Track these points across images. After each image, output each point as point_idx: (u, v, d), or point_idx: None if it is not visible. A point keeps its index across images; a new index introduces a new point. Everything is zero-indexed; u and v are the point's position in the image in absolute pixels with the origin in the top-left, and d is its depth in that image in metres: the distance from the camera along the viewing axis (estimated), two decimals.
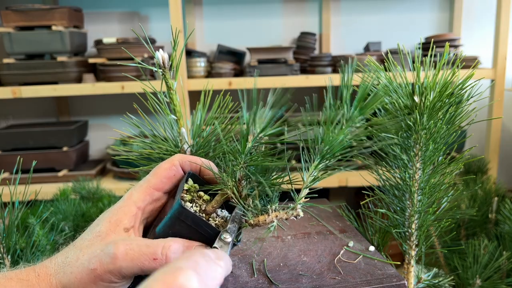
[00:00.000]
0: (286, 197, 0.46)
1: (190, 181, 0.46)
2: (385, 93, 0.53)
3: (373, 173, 0.60)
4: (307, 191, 0.43)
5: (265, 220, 0.43)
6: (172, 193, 0.47)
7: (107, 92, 1.62)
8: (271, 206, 0.43)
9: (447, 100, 0.51)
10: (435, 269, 0.70)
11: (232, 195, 0.44)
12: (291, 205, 0.43)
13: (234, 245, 0.44)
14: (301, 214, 0.43)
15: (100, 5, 1.93)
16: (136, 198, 0.43)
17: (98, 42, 1.72)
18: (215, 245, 0.41)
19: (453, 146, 0.55)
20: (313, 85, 1.61)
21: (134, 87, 1.60)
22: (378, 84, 0.54)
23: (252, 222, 0.43)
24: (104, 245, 0.39)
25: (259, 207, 0.43)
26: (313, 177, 0.42)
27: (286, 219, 0.43)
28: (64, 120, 1.98)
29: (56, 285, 0.39)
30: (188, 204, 0.44)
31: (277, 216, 0.43)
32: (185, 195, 0.45)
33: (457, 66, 0.51)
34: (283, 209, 0.43)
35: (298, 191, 0.43)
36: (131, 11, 1.94)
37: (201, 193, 0.47)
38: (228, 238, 0.41)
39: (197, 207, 0.45)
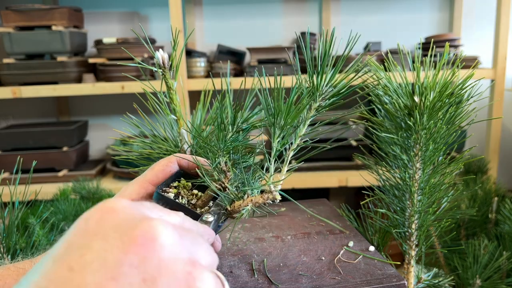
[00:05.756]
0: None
1: (183, 181, 0.47)
2: (385, 93, 0.53)
3: (373, 173, 0.60)
4: (274, 166, 0.42)
5: (240, 205, 0.43)
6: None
7: (107, 92, 1.62)
8: (246, 191, 0.43)
9: (447, 100, 0.51)
10: (435, 269, 0.70)
11: (211, 184, 0.44)
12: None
13: (218, 227, 0.44)
14: (278, 197, 0.42)
15: (100, 5, 1.93)
16: (131, 190, 0.45)
17: (98, 42, 1.72)
18: None
19: (453, 146, 0.55)
20: None
21: (134, 87, 1.60)
22: (378, 84, 0.54)
23: (229, 208, 0.43)
24: None
25: (233, 192, 0.43)
26: (276, 149, 0.41)
27: (263, 203, 0.43)
28: (64, 120, 1.98)
29: None
30: (171, 195, 0.45)
31: (252, 200, 0.43)
32: (170, 189, 0.46)
33: (457, 66, 0.51)
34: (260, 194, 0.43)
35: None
36: (131, 11, 1.94)
37: (195, 191, 0.47)
38: (210, 218, 0.41)
39: (183, 199, 0.45)
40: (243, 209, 0.43)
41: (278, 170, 0.43)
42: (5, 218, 0.60)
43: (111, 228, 0.27)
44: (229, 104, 0.44)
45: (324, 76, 0.39)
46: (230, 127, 0.43)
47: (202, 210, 0.45)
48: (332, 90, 0.39)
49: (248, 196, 0.43)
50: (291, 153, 0.42)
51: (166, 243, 0.27)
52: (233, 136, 0.43)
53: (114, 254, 0.25)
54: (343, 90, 0.39)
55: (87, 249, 0.25)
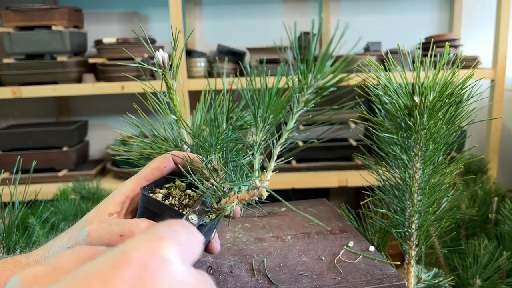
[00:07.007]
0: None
1: (178, 181, 0.47)
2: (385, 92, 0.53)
3: (373, 173, 0.60)
4: (259, 161, 0.41)
5: (226, 203, 0.43)
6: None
7: (107, 92, 1.62)
8: (233, 188, 0.43)
9: (447, 100, 0.51)
10: (435, 269, 0.70)
11: (197, 181, 0.43)
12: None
13: (202, 226, 0.43)
14: (265, 193, 0.41)
15: (100, 5, 1.93)
16: (126, 187, 0.45)
17: (98, 42, 1.72)
18: None
19: (453, 146, 0.55)
20: None
21: (134, 87, 1.60)
22: (378, 84, 0.54)
23: (216, 206, 0.43)
24: (83, 226, 0.41)
25: (220, 189, 0.43)
26: (260, 143, 0.40)
27: (249, 199, 0.42)
28: (64, 120, 1.98)
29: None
30: (159, 195, 0.45)
31: (238, 197, 0.42)
32: (161, 190, 0.46)
33: (457, 66, 0.51)
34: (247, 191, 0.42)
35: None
36: (131, 11, 1.94)
37: (188, 191, 0.47)
38: (195, 219, 0.40)
39: (174, 200, 0.45)
40: (228, 206, 0.42)
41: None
42: (5, 218, 0.60)
43: None
44: (227, 101, 0.44)
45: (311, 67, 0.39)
46: (224, 124, 0.43)
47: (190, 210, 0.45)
48: (319, 82, 0.39)
49: (234, 193, 0.43)
50: (279, 148, 0.41)
51: None
52: (225, 133, 0.43)
53: None
54: (330, 83, 0.39)
55: None
